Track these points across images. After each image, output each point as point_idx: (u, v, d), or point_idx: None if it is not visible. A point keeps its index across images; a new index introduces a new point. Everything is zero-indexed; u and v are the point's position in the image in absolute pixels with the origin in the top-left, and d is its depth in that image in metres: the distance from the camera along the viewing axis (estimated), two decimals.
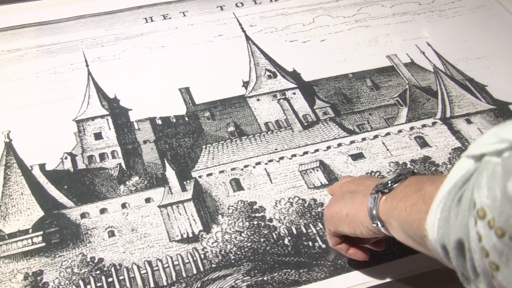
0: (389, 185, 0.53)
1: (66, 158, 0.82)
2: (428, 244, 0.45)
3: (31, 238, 0.71)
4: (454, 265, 0.42)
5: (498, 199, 0.37)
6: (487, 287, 0.39)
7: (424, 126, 0.87)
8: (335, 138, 0.86)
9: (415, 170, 0.55)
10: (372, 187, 0.56)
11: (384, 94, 0.93)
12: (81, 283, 0.66)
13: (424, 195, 0.47)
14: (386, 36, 1.04)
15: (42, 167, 0.80)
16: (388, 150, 0.83)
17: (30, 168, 0.80)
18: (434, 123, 0.87)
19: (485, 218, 0.38)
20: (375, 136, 0.86)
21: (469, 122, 0.88)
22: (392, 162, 0.81)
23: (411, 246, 0.51)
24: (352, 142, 0.85)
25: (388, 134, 0.86)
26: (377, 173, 0.79)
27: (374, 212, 0.53)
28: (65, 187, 0.78)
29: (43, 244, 0.70)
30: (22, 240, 0.71)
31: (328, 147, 0.84)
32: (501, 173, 0.37)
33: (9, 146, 0.82)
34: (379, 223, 0.53)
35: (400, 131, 0.86)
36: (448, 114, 0.89)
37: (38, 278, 0.66)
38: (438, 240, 0.43)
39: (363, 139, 0.85)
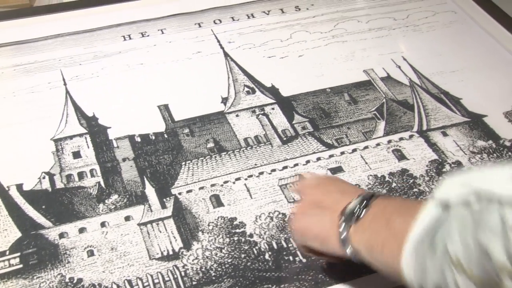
0: (355, 215, 0.54)
1: (44, 177, 0.81)
2: (406, 280, 0.46)
3: (8, 260, 0.70)
4: None
5: (473, 251, 0.38)
6: None
7: (401, 139, 0.88)
8: (314, 153, 0.86)
9: (376, 192, 0.56)
10: (340, 203, 0.56)
11: (361, 108, 0.94)
12: None
13: (394, 232, 0.48)
14: (363, 51, 1.05)
15: (19, 187, 0.79)
16: (366, 163, 0.84)
17: (7, 189, 0.79)
18: (411, 136, 0.89)
19: (461, 268, 0.39)
20: (354, 150, 0.87)
21: (445, 134, 0.89)
22: (371, 175, 0.82)
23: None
24: (331, 156, 0.86)
25: (366, 147, 0.87)
26: (356, 186, 0.80)
27: (347, 243, 0.54)
28: (43, 207, 0.77)
29: (21, 265, 0.69)
30: None
31: (308, 161, 0.85)
32: (472, 225, 0.39)
33: None
34: (351, 250, 0.54)
35: (378, 144, 0.87)
36: (424, 127, 0.90)
37: None
38: (416, 283, 0.44)
39: (342, 153, 0.86)
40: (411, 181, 0.81)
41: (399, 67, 1.02)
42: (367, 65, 1.02)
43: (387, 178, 0.81)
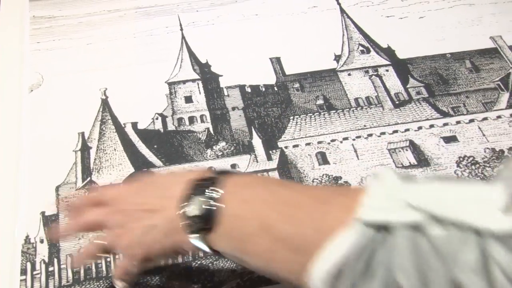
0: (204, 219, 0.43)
1: (157, 118, 0.84)
2: None
3: None
4: None
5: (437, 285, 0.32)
6: None
7: None
8: (427, 119, 0.82)
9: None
10: (172, 209, 0.45)
11: (484, 77, 0.89)
12: None
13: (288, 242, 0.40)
14: (492, 16, 0.97)
15: (134, 125, 0.83)
16: (484, 135, 0.79)
17: (123, 126, 0.83)
18: None
19: None
20: (471, 120, 0.82)
21: None
22: (488, 148, 0.77)
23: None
24: (445, 124, 0.82)
25: (485, 119, 0.82)
26: (471, 158, 0.76)
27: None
28: (155, 146, 0.80)
29: None
30: None
31: (420, 128, 0.81)
32: (432, 254, 0.32)
33: (105, 103, 0.85)
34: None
35: (499, 116, 0.82)
36: None
37: None
38: None
39: (458, 122, 0.82)
40: None
41: None
42: (495, 32, 0.95)
43: (506, 153, 0.76)
